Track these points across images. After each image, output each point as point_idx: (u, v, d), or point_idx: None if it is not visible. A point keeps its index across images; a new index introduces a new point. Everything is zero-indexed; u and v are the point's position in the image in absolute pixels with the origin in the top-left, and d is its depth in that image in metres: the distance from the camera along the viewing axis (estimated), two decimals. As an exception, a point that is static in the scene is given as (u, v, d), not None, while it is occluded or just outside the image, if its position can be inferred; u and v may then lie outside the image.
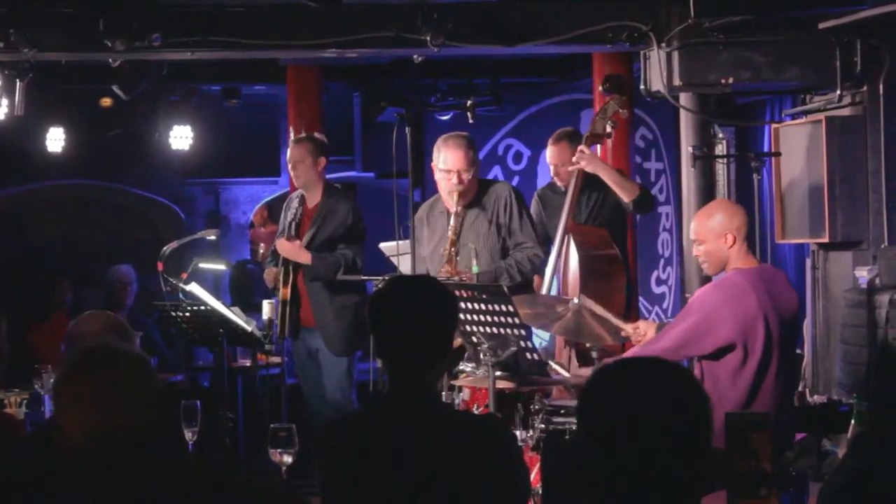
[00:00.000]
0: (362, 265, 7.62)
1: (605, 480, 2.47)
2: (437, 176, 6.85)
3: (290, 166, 7.76)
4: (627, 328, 5.85)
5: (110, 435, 3.12)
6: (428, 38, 7.18)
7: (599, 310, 5.92)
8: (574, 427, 5.18)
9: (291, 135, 10.07)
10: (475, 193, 6.83)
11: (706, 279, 5.75)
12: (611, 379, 2.55)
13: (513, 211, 6.80)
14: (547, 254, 7.20)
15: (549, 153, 7.58)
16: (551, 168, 7.60)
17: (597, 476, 2.47)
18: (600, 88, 7.90)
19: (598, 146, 7.70)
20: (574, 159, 7.16)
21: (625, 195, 7.18)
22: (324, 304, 7.60)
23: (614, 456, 2.46)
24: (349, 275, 7.45)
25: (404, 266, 6.98)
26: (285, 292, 7.61)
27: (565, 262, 7.11)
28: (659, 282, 10.68)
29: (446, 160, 6.76)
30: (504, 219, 6.79)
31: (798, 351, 6.78)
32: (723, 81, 7.36)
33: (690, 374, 2.61)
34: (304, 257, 7.55)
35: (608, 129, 7.27)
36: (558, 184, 7.54)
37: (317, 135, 7.96)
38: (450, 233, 6.73)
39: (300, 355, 7.85)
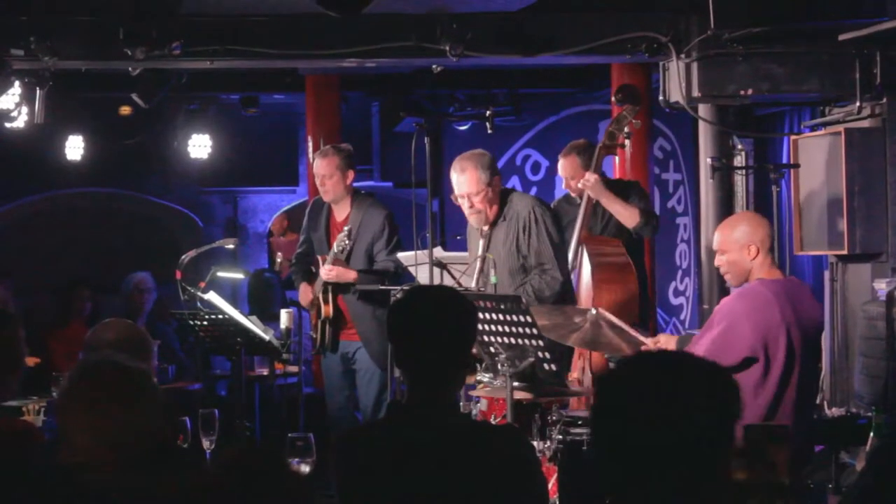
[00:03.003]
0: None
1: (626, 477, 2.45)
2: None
3: (317, 181, 7.69)
4: (648, 342, 5.83)
5: (115, 448, 3.14)
6: (447, 49, 7.18)
7: (618, 322, 5.90)
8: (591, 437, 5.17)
9: (310, 144, 10.09)
10: (499, 209, 6.68)
11: (724, 290, 5.74)
12: (632, 370, 2.54)
13: (531, 232, 6.61)
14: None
15: (560, 166, 7.58)
16: (563, 180, 7.61)
17: (617, 475, 2.46)
18: (613, 99, 7.89)
19: (616, 156, 7.68)
20: (581, 184, 7.16)
21: (626, 222, 7.18)
22: (367, 318, 7.57)
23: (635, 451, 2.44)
24: (376, 284, 7.40)
25: (422, 276, 6.97)
26: (327, 310, 7.59)
27: (579, 272, 7.10)
28: (677, 293, 10.66)
29: (455, 185, 6.66)
30: (523, 239, 6.62)
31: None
32: (742, 93, 7.33)
33: (714, 365, 2.58)
34: (351, 276, 7.53)
35: (623, 140, 7.27)
36: (572, 195, 7.54)
37: (343, 145, 7.86)
38: (479, 251, 6.68)
39: (332, 370, 7.81)
